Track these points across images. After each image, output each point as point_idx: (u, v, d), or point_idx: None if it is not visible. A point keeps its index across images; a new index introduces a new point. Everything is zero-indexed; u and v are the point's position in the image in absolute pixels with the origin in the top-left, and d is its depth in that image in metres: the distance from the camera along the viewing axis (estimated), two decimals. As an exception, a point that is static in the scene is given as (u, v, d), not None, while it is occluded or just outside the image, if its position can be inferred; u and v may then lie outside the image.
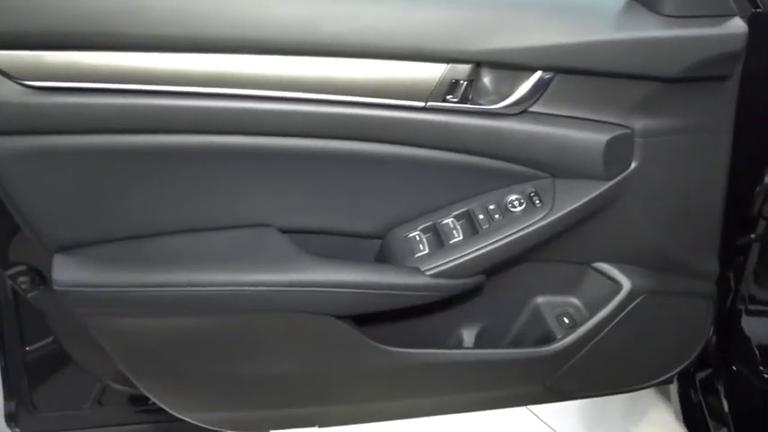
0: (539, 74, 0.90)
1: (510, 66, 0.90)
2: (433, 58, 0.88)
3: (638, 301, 1.07)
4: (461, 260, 0.98)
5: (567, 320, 1.11)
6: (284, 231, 1.00)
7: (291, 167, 0.95)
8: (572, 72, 0.90)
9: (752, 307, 1.14)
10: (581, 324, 1.09)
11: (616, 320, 1.08)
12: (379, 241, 1.05)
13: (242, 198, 0.97)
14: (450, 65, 0.88)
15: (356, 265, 0.99)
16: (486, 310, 1.12)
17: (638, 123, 0.94)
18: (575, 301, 1.12)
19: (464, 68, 0.88)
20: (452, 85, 0.89)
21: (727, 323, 1.18)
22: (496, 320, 1.13)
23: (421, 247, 1.00)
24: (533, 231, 0.97)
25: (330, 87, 0.88)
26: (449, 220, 1.01)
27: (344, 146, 0.93)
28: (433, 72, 0.88)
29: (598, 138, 0.94)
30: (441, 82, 0.89)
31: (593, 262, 1.08)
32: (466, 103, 0.91)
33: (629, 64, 0.89)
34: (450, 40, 0.87)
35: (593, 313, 1.08)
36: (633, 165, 0.96)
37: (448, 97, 0.90)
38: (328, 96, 0.89)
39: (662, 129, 0.95)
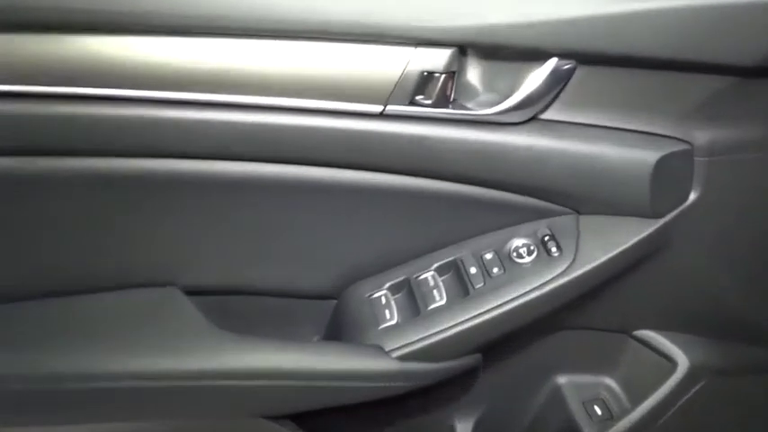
0: (553, 62, 0.63)
1: (510, 50, 0.62)
2: (394, 39, 0.60)
3: (701, 384, 0.80)
4: (445, 335, 0.69)
5: (599, 410, 0.83)
6: (192, 293, 0.72)
7: (199, 201, 0.69)
8: (602, 60, 0.63)
9: None
10: (620, 416, 0.81)
11: (670, 412, 0.80)
12: (334, 302, 0.76)
13: (129, 245, 0.71)
14: (419, 48, 0.61)
15: (292, 346, 0.70)
16: (487, 393, 0.84)
17: (701, 136, 0.68)
18: (610, 382, 0.84)
19: (441, 55, 0.61)
20: (423, 80, 0.62)
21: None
22: (500, 408, 0.86)
23: (387, 314, 0.71)
24: (549, 293, 0.69)
25: (240, 84, 0.61)
26: (428, 275, 0.72)
27: (273, 171, 0.66)
28: (394, 61, 0.61)
29: (643, 157, 0.66)
30: (405, 76, 0.62)
31: (636, 329, 0.80)
32: (445, 108, 0.64)
33: (688, 47, 0.62)
34: (419, 13, 0.60)
35: (636, 401, 0.81)
36: (693, 195, 0.69)
37: (417, 98, 0.63)
38: (237, 98, 0.62)
39: (735, 143, 0.68)
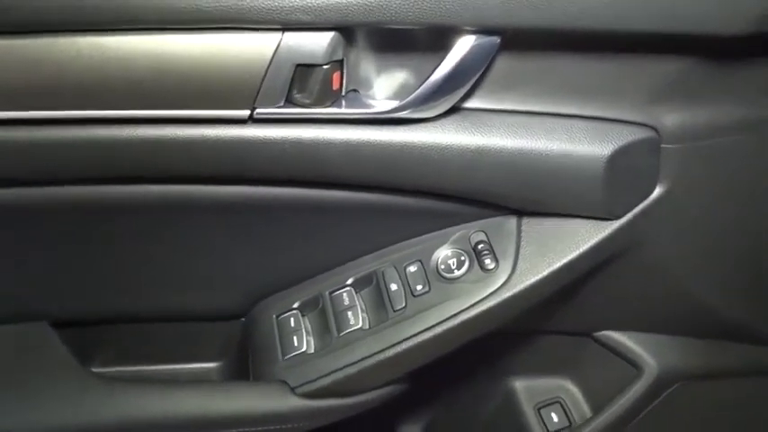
0: (470, 41, 0.47)
1: (411, 25, 0.46)
2: (252, 22, 0.45)
3: (671, 390, 0.69)
4: (360, 367, 0.58)
5: (555, 416, 0.72)
6: (66, 325, 0.61)
7: (76, 227, 0.58)
8: (538, 35, 0.47)
9: None
10: (579, 424, 0.70)
11: (636, 420, 0.69)
12: (240, 321, 0.65)
13: None
14: (287, 34, 0.46)
15: (177, 389, 0.59)
16: (432, 398, 0.74)
17: (669, 119, 0.53)
18: (569, 385, 0.72)
19: (317, 40, 0.46)
20: (300, 75, 0.47)
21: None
22: (447, 414, 0.76)
23: (296, 340, 0.60)
24: (483, 313, 0.57)
25: (72, 94, 0.47)
26: (343, 292, 0.60)
27: (148, 191, 0.54)
28: (256, 52, 0.46)
29: (594, 149, 0.52)
30: (273, 70, 0.46)
31: (597, 331, 0.68)
32: (331, 106, 0.49)
33: (656, 13, 0.47)
34: None
35: (598, 407, 0.70)
36: (659, 189, 0.56)
37: (296, 96, 0.48)
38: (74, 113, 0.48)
39: (710, 127, 0.54)
